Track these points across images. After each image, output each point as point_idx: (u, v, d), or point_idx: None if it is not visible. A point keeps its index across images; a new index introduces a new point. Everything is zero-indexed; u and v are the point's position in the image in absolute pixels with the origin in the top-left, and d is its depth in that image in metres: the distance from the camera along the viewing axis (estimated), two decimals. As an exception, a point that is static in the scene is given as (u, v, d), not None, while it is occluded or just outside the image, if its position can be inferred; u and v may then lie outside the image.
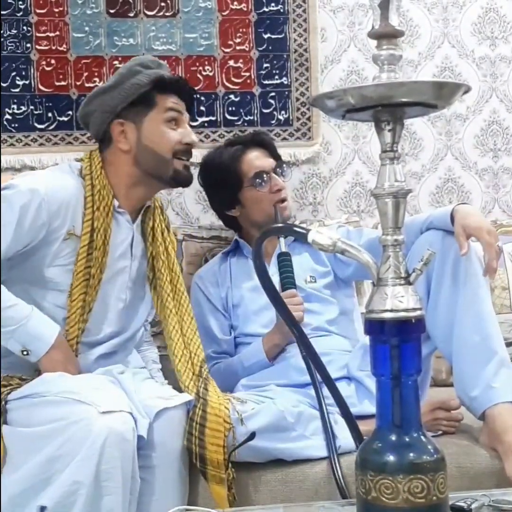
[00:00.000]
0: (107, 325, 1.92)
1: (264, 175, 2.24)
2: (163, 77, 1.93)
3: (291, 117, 2.84)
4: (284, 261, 2.12)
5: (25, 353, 1.74)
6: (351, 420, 1.45)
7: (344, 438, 1.73)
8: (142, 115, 1.92)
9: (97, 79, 2.74)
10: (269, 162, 2.28)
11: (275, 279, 2.07)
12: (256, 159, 2.27)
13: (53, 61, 2.71)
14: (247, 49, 2.81)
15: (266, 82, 2.82)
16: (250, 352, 2.14)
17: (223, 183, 2.27)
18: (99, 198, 1.88)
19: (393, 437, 1.15)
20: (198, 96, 2.16)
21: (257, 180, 2.23)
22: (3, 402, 1.69)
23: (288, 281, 2.09)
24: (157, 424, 1.65)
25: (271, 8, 2.82)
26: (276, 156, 2.34)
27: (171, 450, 1.67)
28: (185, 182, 1.99)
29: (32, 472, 1.54)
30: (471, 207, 1.94)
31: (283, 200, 2.25)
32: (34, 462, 1.55)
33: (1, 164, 2.63)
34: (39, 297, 1.84)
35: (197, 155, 2.70)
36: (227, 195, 2.29)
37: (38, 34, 2.71)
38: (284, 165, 2.33)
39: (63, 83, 2.73)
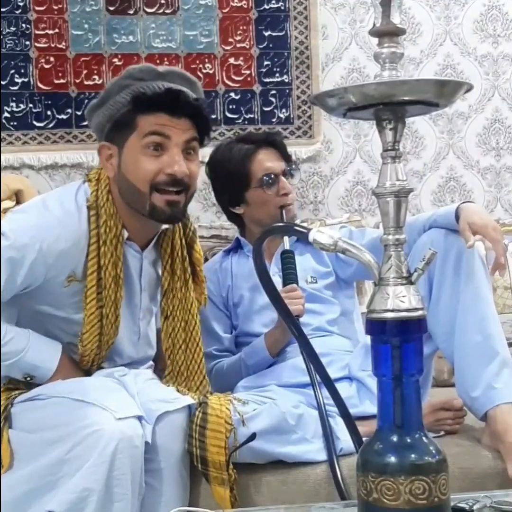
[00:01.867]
0: (119, 357, 1.85)
1: (273, 177, 2.22)
2: (143, 93, 1.67)
3: (292, 115, 2.84)
4: (288, 258, 2.10)
5: (28, 379, 1.70)
6: (350, 421, 1.44)
7: (345, 440, 1.72)
8: (124, 139, 1.70)
9: (96, 77, 2.73)
10: (279, 165, 2.24)
11: (276, 279, 2.06)
12: (266, 160, 2.24)
13: (52, 59, 2.71)
14: (247, 46, 2.81)
15: (266, 80, 2.82)
16: (252, 350, 2.14)
17: (231, 180, 2.25)
18: (105, 231, 1.70)
19: (395, 438, 1.14)
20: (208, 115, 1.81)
21: (265, 182, 2.21)
22: (9, 405, 1.67)
23: (290, 276, 2.08)
24: (159, 427, 1.63)
25: (272, 6, 2.81)
26: (287, 158, 2.31)
27: (173, 453, 1.66)
28: (166, 220, 1.76)
29: (39, 473, 1.53)
30: (476, 205, 1.93)
31: (289, 205, 2.23)
32: (41, 463, 1.54)
33: (0, 162, 2.62)
34: (51, 325, 1.77)
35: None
36: (234, 192, 2.27)
37: (37, 32, 2.70)
38: (294, 167, 2.31)
39: (62, 81, 2.73)
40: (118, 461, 1.49)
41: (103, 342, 1.75)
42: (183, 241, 1.85)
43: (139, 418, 1.59)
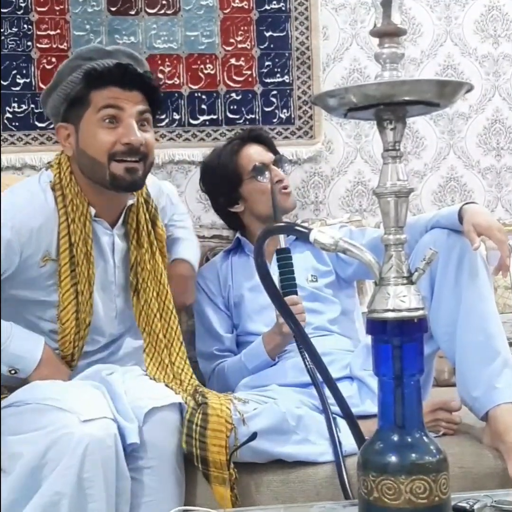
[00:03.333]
0: (101, 336, 1.89)
1: (264, 167, 2.24)
2: (94, 69, 1.75)
3: (292, 116, 2.84)
4: (284, 260, 2.09)
5: (13, 372, 1.73)
6: (352, 421, 1.44)
7: (349, 444, 1.72)
8: (80, 116, 1.77)
9: (98, 78, 2.73)
10: (268, 156, 2.28)
11: (276, 277, 2.06)
12: (254, 153, 2.27)
13: (54, 60, 2.71)
14: (248, 47, 2.81)
15: (267, 80, 2.82)
16: (252, 354, 2.13)
17: (224, 180, 2.27)
18: (73, 209, 1.77)
19: (395, 438, 1.14)
20: (159, 82, 1.91)
21: (257, 171, 2.23)
22: None
23: (288, 284, 2.06)
24: (148, 425, 1.64)
25: (273, 6, 2.81)
26: (275, 152, 2.34)
27: (164, 450, 1.65)
28: (126, 187, 1.80)
29: (20, 481, 1.54)
30: (479, 206, 1.93)
31: (286, 188, 2.25)
32: (20, 471, 1.54)
33: (2, 163, 2.62)
34: (29, 313, 1.81)
35: (198, 154, 2.72)
36: (229, 191, 2.28)
37: (38, 32, 2.70)
38: (283, 159, 2.33)
39: (64, 81, 2.72)
40: (89, 462, 1.49)
41: (81, 320, 1.78)
42: (147, 216, 1.91)
43: (119, 418, 1.61)
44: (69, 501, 1.48)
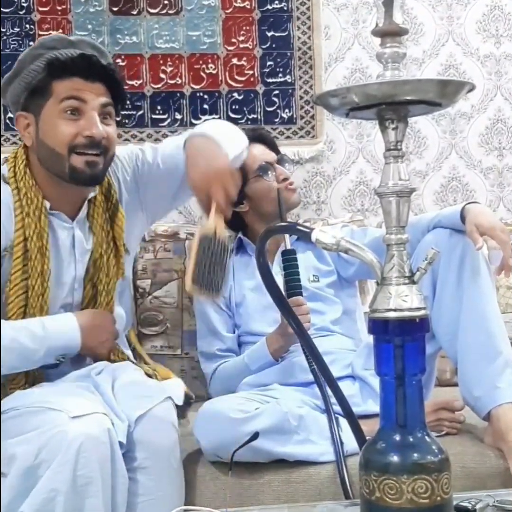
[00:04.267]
0: None
1: (269, 166, 2.25)
2: (57, 58, 1.71)
3: (294, 116, 2.84)
4: (289, 261, 2.09)
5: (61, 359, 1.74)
6: (354, 421, 1.45)
7: (350, 443, 1.72)
8: (40, 106, 1.73)
9: (100, 77, 2.73)
10: (272, 155, 2.30)
11: (279, 278, 2.06)
12: (258, 153, 2.28)
13: (56, 59, 2.71)
14: (250, 47, 2.81)
15: (269, 80, 2.82)
16: (255, 355, 2.13)
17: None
18: (27, 203, 1.74)
19: (397, 437, 1.14)
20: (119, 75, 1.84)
21: (263, 170, 2.23)
22: None
23: (294, 285, 2.06)
24: (141, 424, 1.63)
25: (275, 6, 2.81)
26: (277, 152, 2.35)
27: (160, 448, 1.64)
28: (86, 181, 1.76)
29: (16, 482, 1.53)
30: (482, 206, 1.92)
31: (290, 184, 2.26)
32: (15, 472, 1.54)
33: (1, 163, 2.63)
34: None
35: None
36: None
37: (40, 32, 2.70)
38: (285, 158, 2.34)
39: (66, 81, 2.72)
40: (83, 459, 1.49)
41: (29, 315, 1.75)
42: (107, 214, 1.87)
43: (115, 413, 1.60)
44: (64, 497, 1.48)
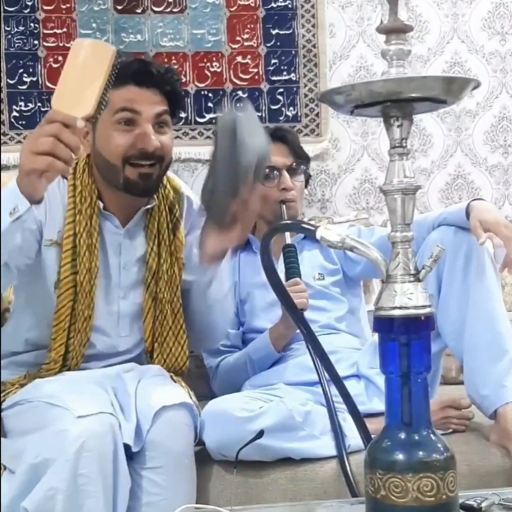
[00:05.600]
0: (106, 336, 1.83)
1: (274, 171, 2.22)
2: None
3: (299, 114, 2.83)
4: (289, 253, 2.10)
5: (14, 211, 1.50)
6: (359, 418, 1.44)
7: (354, 437, 1.72)
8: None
9: (104, 76, 2.73)
10: (284, 160, 2.24)
11: (283, 276, 2.06)
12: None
13: (60, 58, 2.71)
14: (255, 45, 2.81)
15: (274, 78, 2.82)
16: (256, 346, 2.14)
17: None
18: (81, 200, 1.75)
19: (403, 435, 1.14)
20: (179, 83, 1.84)
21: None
22: None
23: (292, 270, 2.07)
24: (157, 424, 1.63)
25: (279, 4, 2.81)
26: (298, 155, 2.29)
27: (174, 450, 1.65)
28: (138, 192, 1.76)
29: (19, 479, 1.54)
30: (487, 203, 1.92)
31: (289, 201, 2.20)
32: (20, 470, 1.54)
33: (8, 161, 2.63)
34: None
35: (204, 152, 2.72)
36: None
37: (45, 31, 2.71)
38: (301, 169, 2.28)
39: (70, 80, 2.72)
40: (84, 459, 1.49)
41: (78, 311, 1.74)
42: (170, 225, 1.86)
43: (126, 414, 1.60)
44: (64, 496, 1.48)
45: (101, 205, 1.78)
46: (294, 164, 2.26)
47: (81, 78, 1.40)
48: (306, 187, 2.40)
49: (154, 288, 1.84)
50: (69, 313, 1.74)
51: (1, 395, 1.72)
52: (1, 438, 1.66)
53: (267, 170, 2.19)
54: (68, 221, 1.74)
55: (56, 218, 1.74)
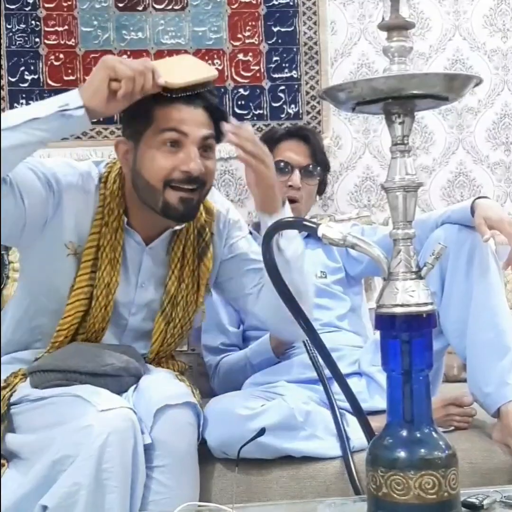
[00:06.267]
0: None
1: (285, 167, 2.20)
2: None
3: (301, 111, 2.83)
4: None
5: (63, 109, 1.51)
6: (362, 416, 1.44)
7: (357, 438, 1.72)
8: (140, 133, 1.66)
9: (106, 74, 2.73)
10: (299, 159, 2.23)
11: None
12: (288, 149, 2.23)
13: (61, 56, 2.71)
14: (256, 42, 2.80)
15: (275, 75, 2.81)
16: (257, 350, 2.13)
17: None
18: (108, 212, 1.70)
19: (404, 433, 1.14)
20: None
21: (276, 166, 2.19)
22: (4, 408, 1.66)
23: None
24: (160, 423, 1.62)
25: (281, 1, 2.80)
26: (317, 159, 2.27)
27: (177, 449, 1.64)
28: (176, 217, 1.70)
29: (38, 474, 1.53)
30: (491, 201, 1.92)
31: (293, 199, 2.17)
32: (39, 465, 1.54)
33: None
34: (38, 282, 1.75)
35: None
36: None
37: (46, 29, 2.71)
38: (318, 173, 2.26)
39: (72, 77, 2.73)
40: (108, 453, 1.49)
41: (89, 323, 1.72)
42: (197, 250, 1.81)
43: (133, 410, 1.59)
44: (87, 491, 1.48)
45: (125, 220, 1.73)
46: (310, 166, 2.24)
47: (183, 68, 1.63)
48: (320, 194, 2.38)
49: (170, 312, 1.81)
50: (77, 323, 1.72)
51: (7, 390, 1.71)
52: (8, 434, 1.65)
53: (279, 162, 2.19)
54: (93, 231, 1.69)
55: (82, 224, 1.70)
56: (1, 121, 1.46)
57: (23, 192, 1.58)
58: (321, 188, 2.36)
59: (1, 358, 1.78)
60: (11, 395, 1.68)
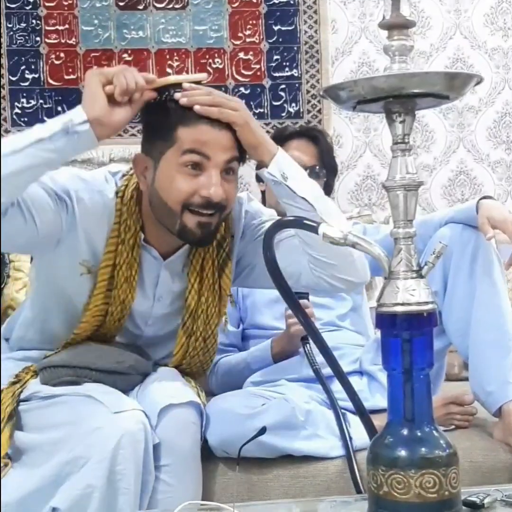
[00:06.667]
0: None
1: None
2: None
3: (301, 110, 2.83)
4: None
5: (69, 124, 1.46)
6: (365, 415, 1.44)
7: (358, 438, 1.72)
8: (161, 152, 1.57)
9: (106, 72, 2.73)
10: (303, 159, 2.17)
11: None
12: (296, 148, 2.21)
13: (62, 55, 2.72)
14: (257, 41, 2.80)
15: (276, 74, 2.82)
16: (257, 356, 2.11)
17: None
18: (125, 229, 1.64)
19: (405, 432, 1.14)
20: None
21: None
22: (14, 404, 1.64)
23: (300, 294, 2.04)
24: (163, 422, 1.62)
25: (281, 0, 2.80)
26: (324, 162, 2.24)
27: (180, 448, 1.64)
28: (193, 241, 1.64)
29: (46, 474, 1.53)
30: (495, 201, 1.91)
31: None
32: (49, 464, 1.53)
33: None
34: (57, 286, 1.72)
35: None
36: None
37: (47, 28, 2.71)
38: (322, 174, 2.23)
39: (72, 76, 2.73)
40: (121, 456, 1.49)
41: (102, 332, 1.72)
42: (216, 262, 1.74)
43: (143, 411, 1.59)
44: (100, 494, 1.48)
45: (142, 236, 1.67)
46: (315, 167, 2.22)
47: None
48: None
49: (191, 326, 1.77)
50: (90, 333, 1.72)
51: (18, 385, 1.71)
52: (16, 432, 1.64)
53: None
54: (109, 249, 1.64)
55: (97, 241, 1.65)
56: (5, 145, 1.43)
57: (34, 211, 1.53)
58: (327, 190, 2.33)
59: (13, 354, 1.79)
60: (21, 391, 1.67)
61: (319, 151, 2.25)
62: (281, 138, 2.22)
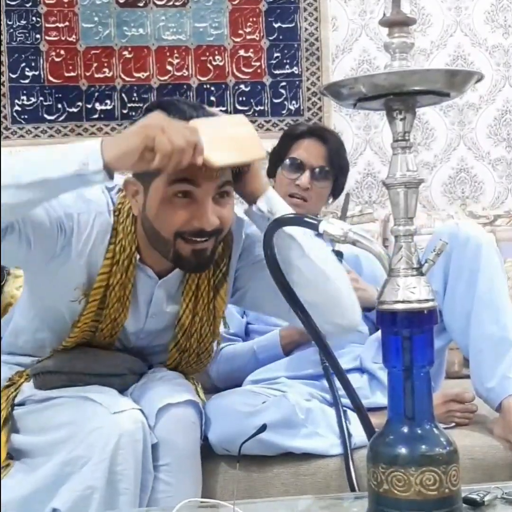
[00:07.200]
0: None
1: (297, 165, 2.17)
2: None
3: (302, 107, 2.83)
4: None
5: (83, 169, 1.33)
6: (362, 412, 1.44)
7: (359, 435, 1.72)
8: (150, 178, 1.49)
9: (106, 70, 2.74)
10: (311, 160, 2.16)
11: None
12: (304, 148, 2.19)
13: (62, 52, 2.72)
14: (257, 38, 2.80)
15: (276, 71, 2.81)
16: (265, 345, 2.12)
17: (274, 148, 2.24)
18: (120, 250, 1.59)
19: (405, 429, 1.14)
20: None
21: (289, 162, 2.18)
22: (9, 407, 1.65)
23: None
24: (162, 421, 1.62)
25: (281, -3, 2.81)
26: (333, 163, 2.20)
27: (179, 447, 1.64)
28: (189, 268, 1.61)
29: (46, 474, 1.54)
30: None
31: (297, 197, 2.14)
32: (49, 465, 1.54)
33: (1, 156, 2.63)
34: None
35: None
36: (271, 162, 2.25)
37: (47, 25, 2.71)
38: (329, 176, 2.19)
39: (72, 74, 2.73)
40: (120, 456, 1.49)
41: (92, 346, 1.70)
42: (212, 282, 1.70)
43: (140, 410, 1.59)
44: (100, 494, 1.48)
45: (138, 256, 1.62)
46: (324, 168, 2.18)
47: (232, 140, 1.44)
48: (334, 197, 2.31)
49: (184, 343, 1.75)
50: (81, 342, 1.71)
51: (12, 389, 1.71)
52: (14, 435, 1.65)
53: (293, 159, 2.17)
54: (103, 270, 1.59)
55: (94, 263, 1.60)
56: (7, 173, 1.32)
57: (30, 231, 1.48)
58: (336, 191, 2.31)
59: (5, 357, 1.78)
60: (15, 395, 1.68)
61: (327, 151, 2.20)
62: (292, 135, 2.21)
